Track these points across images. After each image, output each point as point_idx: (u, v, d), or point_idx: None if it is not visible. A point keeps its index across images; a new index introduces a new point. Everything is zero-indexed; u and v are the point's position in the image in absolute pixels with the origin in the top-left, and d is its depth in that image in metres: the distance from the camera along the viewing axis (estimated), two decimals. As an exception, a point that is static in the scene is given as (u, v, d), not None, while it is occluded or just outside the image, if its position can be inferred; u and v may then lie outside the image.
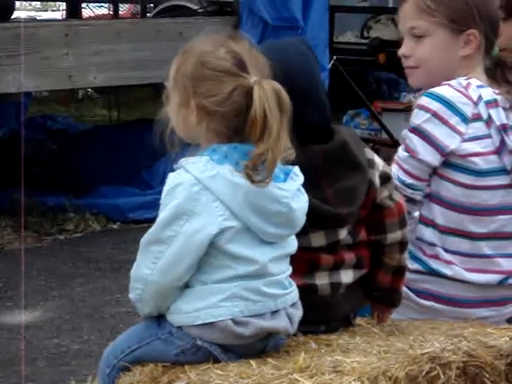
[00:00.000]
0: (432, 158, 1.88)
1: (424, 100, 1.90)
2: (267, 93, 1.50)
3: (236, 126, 1.53)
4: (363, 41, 5.76)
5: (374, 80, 6.04)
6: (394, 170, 1.91)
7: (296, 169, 1.59)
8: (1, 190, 4.55)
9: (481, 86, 1.92)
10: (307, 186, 1.60)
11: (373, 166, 1.72)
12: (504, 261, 1.92)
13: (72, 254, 4.09)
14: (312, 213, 1.60)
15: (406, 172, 1.90)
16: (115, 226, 4.54)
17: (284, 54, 1.69)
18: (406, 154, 1.91)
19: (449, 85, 1.92)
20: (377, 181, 1.73)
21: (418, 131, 1.89)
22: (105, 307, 3.44)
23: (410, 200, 1.89)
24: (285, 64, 1.64)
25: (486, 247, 1.91)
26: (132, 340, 1.61)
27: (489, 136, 1.89)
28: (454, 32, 1.94)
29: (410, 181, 1.90)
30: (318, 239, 1.67)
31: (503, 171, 1.90)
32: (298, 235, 1.61)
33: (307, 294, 1.64)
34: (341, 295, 1.72)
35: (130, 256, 3.80)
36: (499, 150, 1.89)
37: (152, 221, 1.56)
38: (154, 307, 1.58)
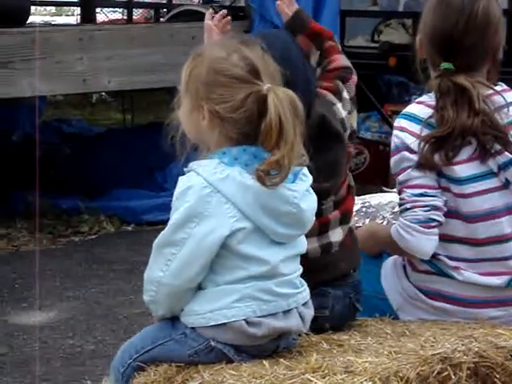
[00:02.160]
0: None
1: (398, 121, 1.92)
2: (282, 100, 1.52)
3: (247, 132, 1.55)
4: (374, 45, 5.77)
5: (384, 83, 6.04)
6: (404, 196, 1.88)
7: (305, 169, 1.60)
8: (16, 192, 4.60)
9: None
10: None
11: (345, 128, 1.81)
12: (510, 262, 1.91)
13: (86, 256, 4.11)
14: None
15: (414, 187, 1.88)
16: (129, 228, 4.57)
17: (269, 38, 1.75)
18: (402, 175, 1.88)
19: (417, 101, 1.92)
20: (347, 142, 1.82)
21: (404, 148, 1.88)
22: (119, 308, 3.45)
23: (434, 208, 1.86)
24: (269, 47, 1.68)
25: (490, 251, 1.91)
26: (146, 340, 1.63)
27: (469, 142, 1.88)
28: None
29: (420, 190, 1.87)
30: None
31: (491, 174, 1.89)
32: None
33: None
34: (334, 254, 1.75)
35: (143, 258, 3.80)
36: (482, 155, 1.87)
37: (166, 222, 1.58)
38: (168, 309, 1.60)
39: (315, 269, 1.68)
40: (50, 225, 4.47)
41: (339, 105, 1.83)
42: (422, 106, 1.91)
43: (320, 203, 1.69)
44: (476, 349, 1.61)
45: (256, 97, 1.53)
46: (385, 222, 2.18)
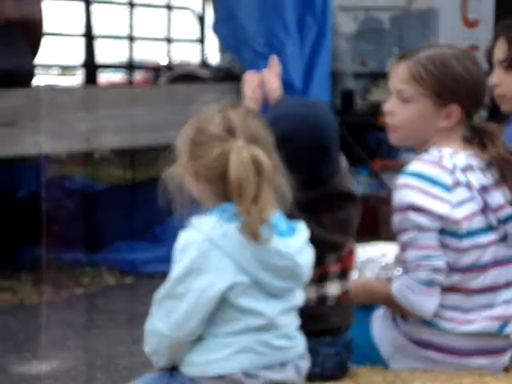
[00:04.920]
0: (432, 223, 1.90)
1: (404, 179, 1.92)
2: (242, 158, 1.53)
3: (225, 189, 1.56)
4: (364, 103, 5.99)
5: (374, 140, 6.23)
6: (407, 256, 1.90)
7: (302, 224, 1.64)
8: (21, 247, 4.72)
9: (453, 154, 1.97)
10: (308, 216, 1.72)
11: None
12: (499, 309, 1.96)
13: (88, 307, 4.16)
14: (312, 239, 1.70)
15: (418, 248, 1.89)
16: (129, 280, 4.66)
17: (315, 109, 1.83)
18: (408, 235, 1.90)
19: (423, 160, 1.96)
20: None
21: (410, 207, 1.89)
22: (119, 358, 3.46)
23: (437, 270, 1.88)
24: (316, 118, 1.79)
25: (482, 300, 1.95)
26: (145, 390, 1.66)
27: (472, 198, 1.94)
28: (438, 104, 1.95)
29: (424, 253, 1.89)
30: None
31: (490, 228, 1.95)
32: None
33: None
34: (329, 307, 1.81)
35: (143, 308, 3.87)
36: (483, 210, 1.95)
37: (164, 274, 1.62)
38: (169, 359, 1.62)
39: (308, 318, 1.70)
40: (54, 278, 4.54)
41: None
42: (425, 164, 1.93)
43: (325, 255, 1.77)
44: (464, 397, 1.61)
45: (225, 155, 1.56)
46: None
